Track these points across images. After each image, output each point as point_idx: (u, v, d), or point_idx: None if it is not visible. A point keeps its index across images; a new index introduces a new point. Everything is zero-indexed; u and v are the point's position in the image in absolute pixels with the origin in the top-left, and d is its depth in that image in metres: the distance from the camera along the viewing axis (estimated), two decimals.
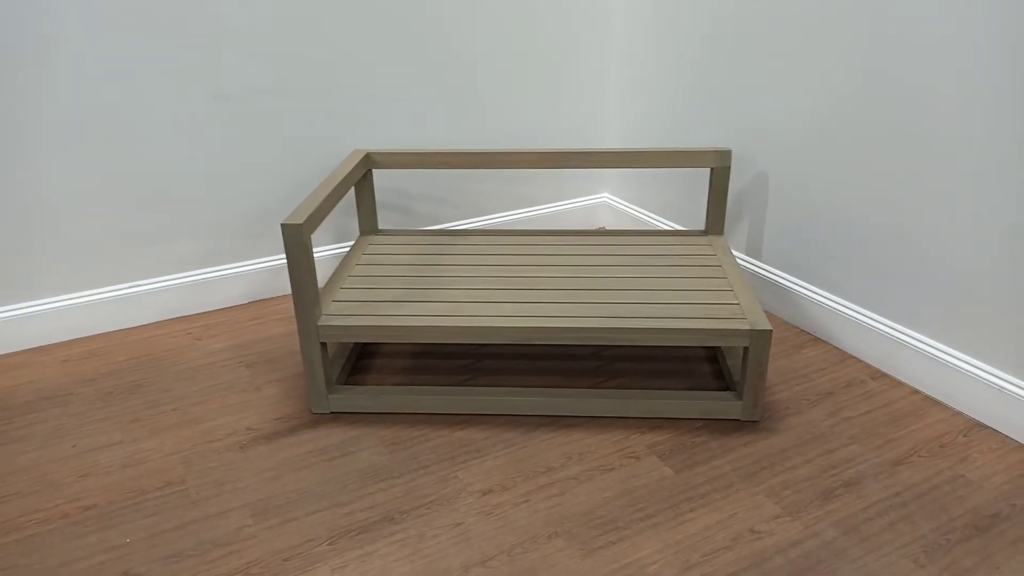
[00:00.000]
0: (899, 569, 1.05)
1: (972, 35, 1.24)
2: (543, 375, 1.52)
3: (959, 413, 1.38)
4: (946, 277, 1.37)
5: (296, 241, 1.24)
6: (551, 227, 2.18)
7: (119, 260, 1.69)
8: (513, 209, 2.13)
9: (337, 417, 1.40)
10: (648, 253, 1.59)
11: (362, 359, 1.58)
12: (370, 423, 1.38)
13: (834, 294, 1.60)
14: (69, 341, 1.68)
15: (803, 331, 1.68)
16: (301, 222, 1.24)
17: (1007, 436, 1.32)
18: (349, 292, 1.44)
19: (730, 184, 1.80)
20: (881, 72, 1.40)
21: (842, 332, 1.59)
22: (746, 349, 1.30)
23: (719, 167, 1.59)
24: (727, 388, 1.47)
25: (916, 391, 1.45)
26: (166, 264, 1.74)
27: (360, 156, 1.61)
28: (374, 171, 1.90)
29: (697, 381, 1.50)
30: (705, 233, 1.67)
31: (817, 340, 1.64)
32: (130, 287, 1.72)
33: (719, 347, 1.56)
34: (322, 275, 1.93)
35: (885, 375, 1.50)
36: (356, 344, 1.59)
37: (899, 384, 1.47)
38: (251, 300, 1.86)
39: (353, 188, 1.79)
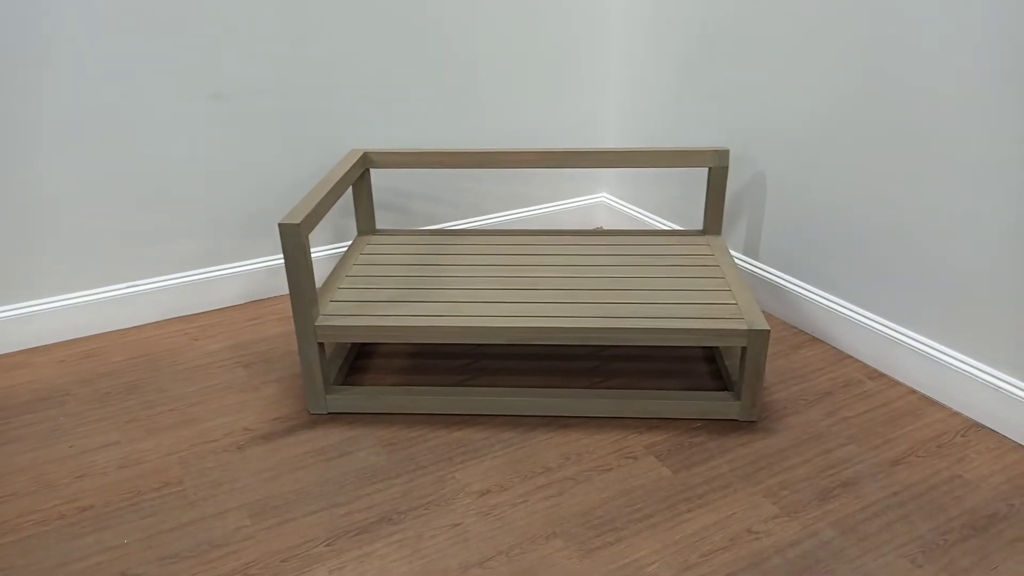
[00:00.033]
0: (897, 569, 1.05)
1: (972, 35, 1.24)
2: (541, 375, 1.52)
3: (957, 413, 1.38)
4: (945, 277, 1.37)
5: (293, 241, 1.24)
6: (549, 227, 2.18)
7: (118, 260, 1.69)
8: (511, 209, 2.13)
9: (335, 417, 1.39)
10: (646, 253, 1.59)
11: (360, 359, 1.58)
12: (368, 423, 1.38)
13: (832, 294, 1.60)
14: (66, 341, 1.68)
15: (801, 331, 1.68)
16: (298, 222, 1.24)
17: (1005, 436, 1.32)
18: (347, 292, 1.44)
19: (729, 184, 1.80)
20: (881, 72, 1.39)
21: (840, 332, 1.59)
22: (744, 349, 1.30)
23: (717, 167, 1.59)
24: (725, 388, 1.47)
25: (914, 391, 1.45)
26: (165, 264, 1.74)
27: (357, 156, 1.61)
28: (372, 171, 1.90)
29: (695, 381, 1.50)
30: (703, 233, 1.67)
31: (815, 340, 1.64)
32: (128, 287, 1.72)
33: (717, 347, 1.56)
34: (320, 275, 1.93)
35: (883, 375, 1.50)
36: (354, 344, 1.59)
37: (897, 384, 1.47)
38: (249, 300, 1.86)
39: (351, 188, 1.79)
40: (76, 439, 1.35)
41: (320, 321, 1.33)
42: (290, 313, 1.80)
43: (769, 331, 1.28)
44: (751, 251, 1.78)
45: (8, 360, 1.61)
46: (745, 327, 1.28)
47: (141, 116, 1.60)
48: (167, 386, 1.51)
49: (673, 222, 2.01)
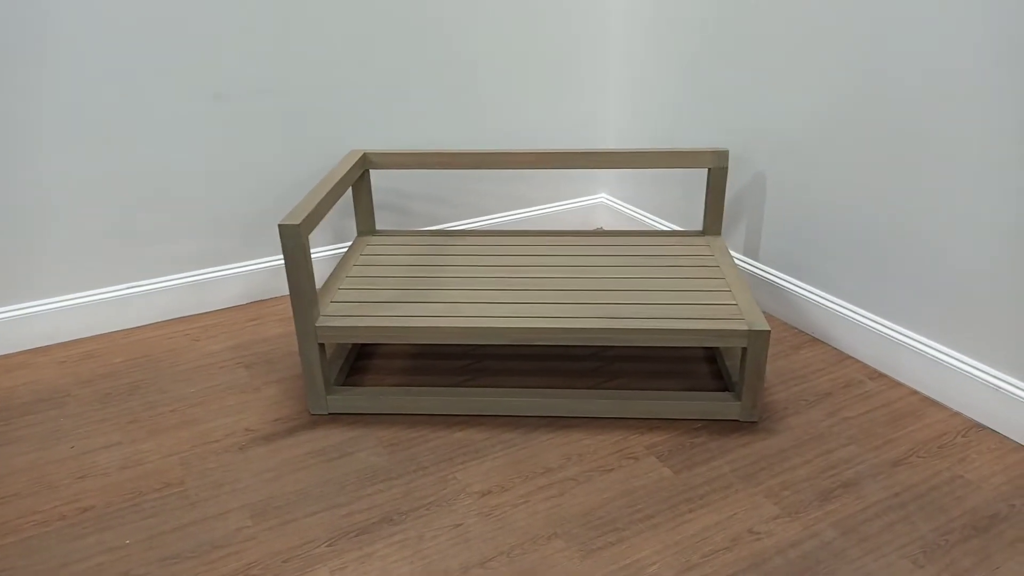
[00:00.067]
0: (898, 569, 1.05)
1: (972, 35, 1.24)
2: (542, 376, 1.52)
3: (958, 413, 1.38)
4: (945, 277, 1.37)
5: (294, 242, 1.24)
6: (549, 227, 2.18)
7: (118, 260, 1.69)
8: (511, 209, 2.13)
9: (336, 418, 1.39)
10: (646, 254, 1.59)
11: (360, 360, 1.58)
12: (369, 424, 1.38)
13: (832, 294, 1.60)
14: (67, 342, 1.68)
15: (801, 331, 1.68)
16: (298, 222, 1.24)
17: (1006, 436, 1.32)
18: (347, 293, 1.44)
19: (729, 184, 1.80)
20: (881, 72, 1.40)
21: (840, 332, 1.59)
22: (744, 350, 1.30)
23: (716, 167, 1.59)
24: (726, 389, 1.47)
25: (915, 391, 1.45)
26: (165, 264, 1.74)
27: (357, 156, 1.61)
28: (372, 171, 1.90)
29: (696, 382, 1.50)
30: (703, 233, 1.67)
31: (815, 340, 1.64)
32: (129, 288, 1.72)
33: (718, 348, 1.56)
34: (320, 276, 1.93)
35: (884, 375, 1.50)
36: (354, 345, 1.59)
37: (898, 384, 1.47)
38: (250, 301, 1.86)
39: (351, 188, 1.79)
40: (77, 440, 1.35)
41: (320, 322, 1.33)
42: (291, 314, 1.80)
43: (769, 332, 1.28)
44: (751, 252, 1.78)
45: (8, 361, 1.61)
46: (745, 328, 1.29)
47: (141, 116, 1.60)
48: (168, 387, 1.50)
49: (673, 223, 2.01)
